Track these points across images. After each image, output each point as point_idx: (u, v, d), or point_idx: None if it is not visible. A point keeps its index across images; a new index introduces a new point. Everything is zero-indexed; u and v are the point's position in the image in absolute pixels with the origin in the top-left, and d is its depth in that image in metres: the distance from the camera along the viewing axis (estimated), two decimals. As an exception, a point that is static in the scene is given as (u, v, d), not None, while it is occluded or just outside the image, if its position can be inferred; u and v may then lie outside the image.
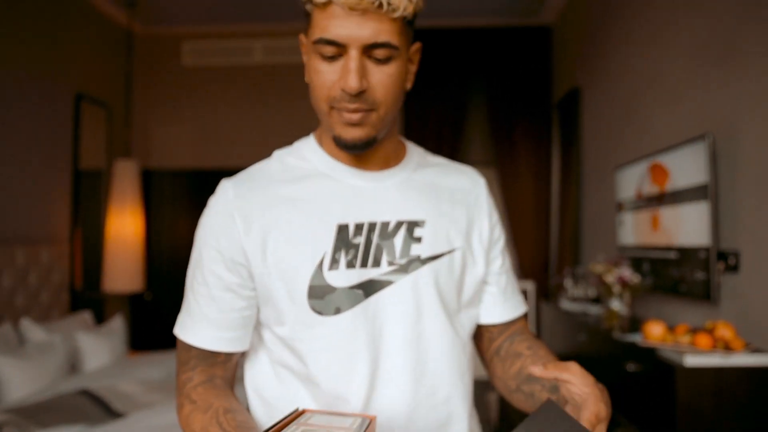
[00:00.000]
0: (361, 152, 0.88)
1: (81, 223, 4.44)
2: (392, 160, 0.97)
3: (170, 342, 4.67)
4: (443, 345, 0.92)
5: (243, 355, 0.98)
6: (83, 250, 4.46)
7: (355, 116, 0.83)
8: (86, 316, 4.04)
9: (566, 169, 4.58)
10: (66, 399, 2.77)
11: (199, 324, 0.91)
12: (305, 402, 0.91)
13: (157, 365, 3.56)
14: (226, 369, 0.94)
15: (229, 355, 0.93)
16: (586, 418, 0.71)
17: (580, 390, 0.74)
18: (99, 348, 3.70)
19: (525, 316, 1.08)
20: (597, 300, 3.50)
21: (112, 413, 2.74)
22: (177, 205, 5.28)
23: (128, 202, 4.68)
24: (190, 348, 0.92)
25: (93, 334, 3.74)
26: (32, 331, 3.47)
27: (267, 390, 0.94)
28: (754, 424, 1.98)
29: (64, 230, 4.27)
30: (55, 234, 4.17)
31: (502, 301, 1.03)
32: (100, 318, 4.58)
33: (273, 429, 0.69)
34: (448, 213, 0.96)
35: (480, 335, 1.05)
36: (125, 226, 4.65)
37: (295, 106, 4.93)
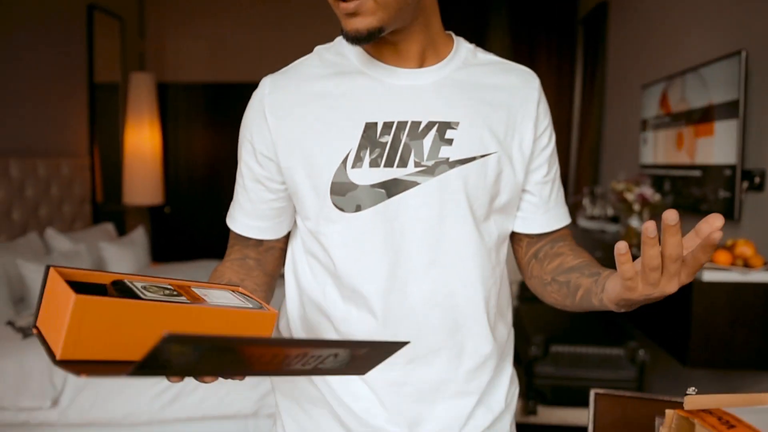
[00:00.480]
0: (366, 44, 0.85)
1: (99, 137, 4.44)
2: (432, 57, 0.93)
3: (190, 255, 4.77)
4: (466, 250, 0.91)
5: (284, 242, 1.02)
6: (102, 164, 4.49)
7: (350, 5, 0.80)
8: (109, 227, 4.12)
9: (589, 87, 4.48)
10: (94, 305, 2.87)
11: (237, 211, 0.99)
12: (332, 296, 0.93)
13: (180, 274, 3.65)
14: (259, 252, 0.99)
15: (260, 241, 0.99)
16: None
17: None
18: (122, 258, 3.79)
19: (568, 227, 1.04)
20: (615, 219, 3.51)
21: (139, 319, 2.84)
22: (193, 120, 5.26)
23: (145, 115, 4.66)
24: (232, 232, 1.00)
25: (116, 244, 3.83)
26: (57, 240, 3.55)
27: (301, 277, 0.99)
28: (766, 340, 2.02)
29: (82, 144, 4.28)
30: (74, 147, 4.19)
31: (543, 212, 1.00)
32: (122, 230, 4.67)
33: (191, 283, 0.73)
34: (487, 116, 0.91)
35: (518, 240, 1.03)
36: (142, 140, 4.66)
37: (312, 18, 4.81)
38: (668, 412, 0.65)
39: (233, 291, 0.78)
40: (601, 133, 4.23)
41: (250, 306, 0.71)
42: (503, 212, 0.97)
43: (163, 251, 5.14)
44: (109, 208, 4.56)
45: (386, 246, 0.88)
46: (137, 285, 0.65)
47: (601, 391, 0.96)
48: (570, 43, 4.83)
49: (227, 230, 1.01)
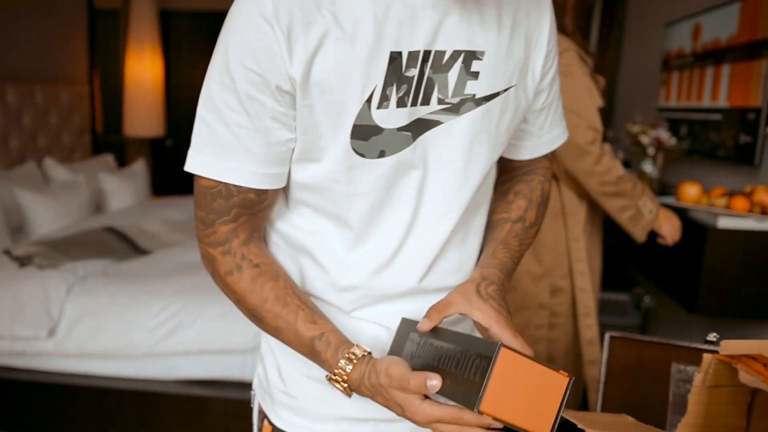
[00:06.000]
0: None
1: (99, 65, 4.32)
2: None
3: (190, 189, 4.70)
4: (487, 191, 0.88)
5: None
6: (102, 93, 4.38)
7: None
8: (109, 158, 4.04)
9: (607, 24, 4.30)
10: (93, 235, 2.82)
11: (240, 160, 0.76)
12: (333, 239, 0.83)
13: (179, 208, 3.60)
14: (262, 218, 0.84)
15: (264, 199, 0.81)
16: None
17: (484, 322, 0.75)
18: (122, 190, 3.73)
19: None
20: (626, 164, 3.41)
21: (138, 250, 2.80)
22: (197, 50, 5.09)
23: (146, 44, 4.52)
24: (228, 194, 0.79)
25: (116, 176, 3.76)
26: (56, 170, 3.48)
27: (283, 224, 0.87)
28: (778, 289, 1.97)
29: (82, 71, 4.16)
30: (73, 75, 4.07)
31: (535, 138, 0.93)
32: (122, 162, 4.59)
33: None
34: (509, 42, 0.80)
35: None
36: (144, 70, 4.53)
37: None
38: (706, 356, 0.59)
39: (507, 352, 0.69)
40: (617, 75, 4.08)
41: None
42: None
43: (163, 184, 5.07)
44: (109, 139, 4.48)
45: (409, 192, 0.79)
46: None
47: (616, 334, 0.91)
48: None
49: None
